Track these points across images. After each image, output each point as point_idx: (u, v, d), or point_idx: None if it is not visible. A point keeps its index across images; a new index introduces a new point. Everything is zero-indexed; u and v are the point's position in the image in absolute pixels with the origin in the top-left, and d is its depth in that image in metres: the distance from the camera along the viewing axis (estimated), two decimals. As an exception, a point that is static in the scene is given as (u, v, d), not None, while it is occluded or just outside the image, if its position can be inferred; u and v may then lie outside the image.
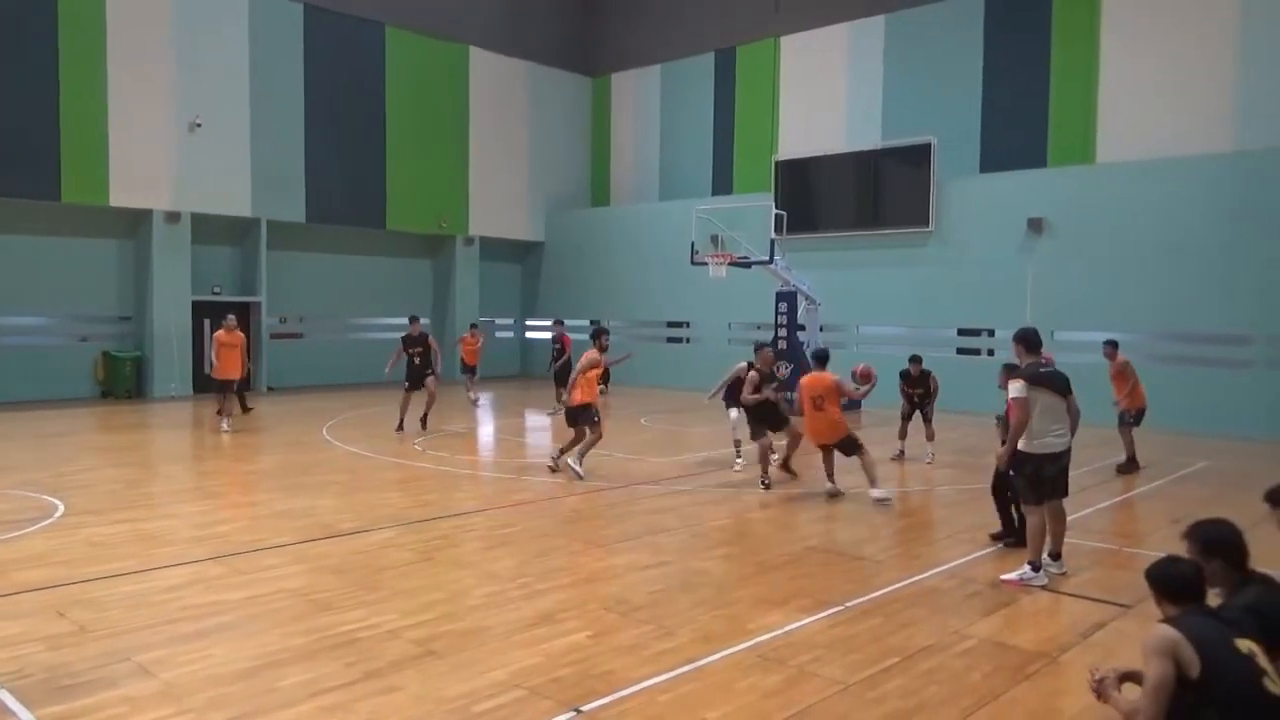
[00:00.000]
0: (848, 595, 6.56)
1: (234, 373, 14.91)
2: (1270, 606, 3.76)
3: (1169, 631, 3.43)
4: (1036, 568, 6.90)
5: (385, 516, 8.93)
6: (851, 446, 10.03)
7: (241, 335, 15.33)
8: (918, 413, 12.88)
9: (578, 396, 11.10)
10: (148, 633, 5.61)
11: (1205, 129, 17.00)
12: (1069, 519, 7.54)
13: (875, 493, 9.78)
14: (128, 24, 18.95)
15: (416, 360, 14.83)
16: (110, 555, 7.40)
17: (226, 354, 14.75)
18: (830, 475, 10.23)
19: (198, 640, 5.50)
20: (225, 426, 14.59)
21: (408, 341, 15.01)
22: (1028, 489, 6.95)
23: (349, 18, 22.35)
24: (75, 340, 19.72)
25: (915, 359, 13.03)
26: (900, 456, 12.85)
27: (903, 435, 12.99)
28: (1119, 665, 3.99)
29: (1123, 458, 12.10)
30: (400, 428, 14.68)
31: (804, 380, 10.33)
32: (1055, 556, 7.16)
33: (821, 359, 10.58)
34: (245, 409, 16.83)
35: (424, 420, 14.89)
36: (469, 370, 19.33)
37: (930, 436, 12.88)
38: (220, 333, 14.90)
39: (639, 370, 23.66)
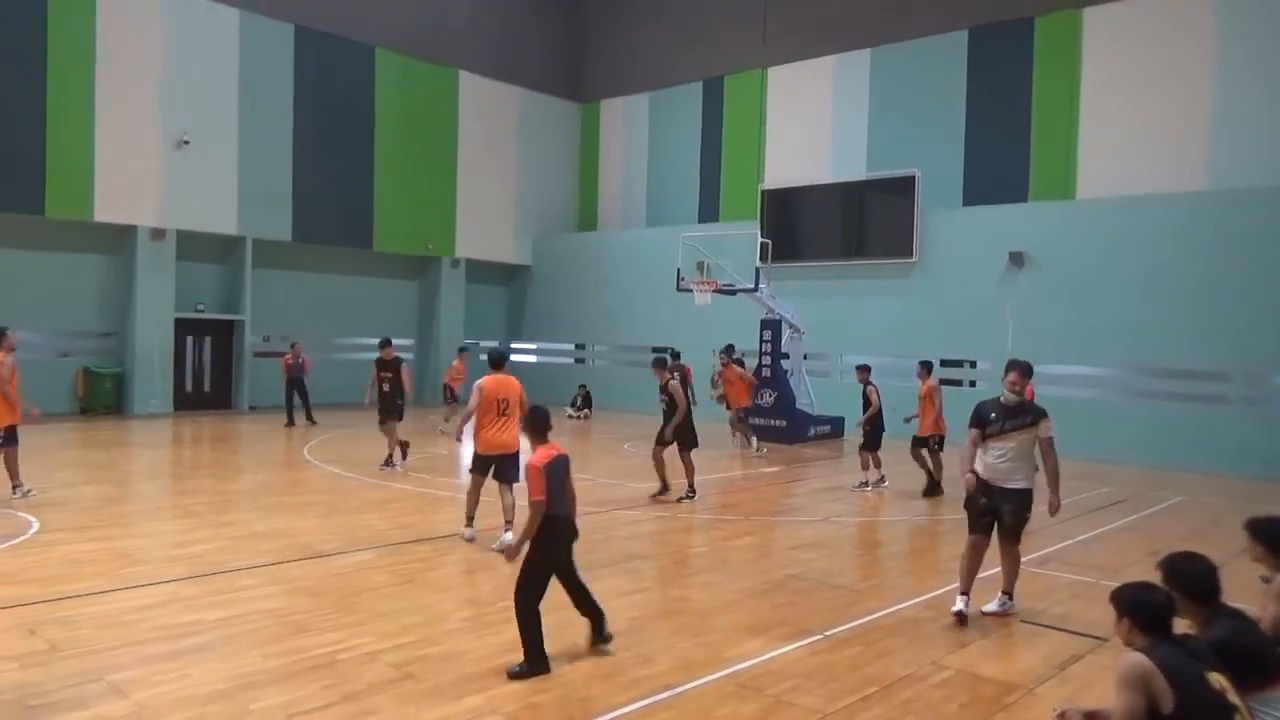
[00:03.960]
0: (827, 624, 6.57)
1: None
2: (1242, 641, 3.79)
3: (1144, 662, 3.39)
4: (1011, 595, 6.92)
5: (365, 538, 8.88)
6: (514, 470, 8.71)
7: None
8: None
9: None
10: (120, 652, 5.55)
11: (1182, 167, 17.29)
12: (1045, 552, 7.58)
13: (506, 537, 8.29)
14: (118, 40, 18.97)
15: (386, 387, 13.52)
16: (84, 573, 7.31)
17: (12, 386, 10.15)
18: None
19: (172, 660, 5.44)
20: (26, 490, 10.26)
21: (380, 365, 13.70)
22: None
23: (339, 39, 22.46)
24: (55, 355, 19.54)
25: (857, 368, 13.03)
26: (864, 487, 12.51)
27: (864, 465, 12.69)
28: (1082, 705, 4.00)
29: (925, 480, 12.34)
30: (389, 462, 13.36)
31: (488, 382, 8.75)
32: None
33: (498, 361, 9.07)
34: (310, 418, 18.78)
35: (390, 459, 13.35)
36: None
37: (863, 464, 12.59)
38: (6, 357, 10.09)
39: (623, 395, 23.71)
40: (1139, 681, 3.36)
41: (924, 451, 12.24)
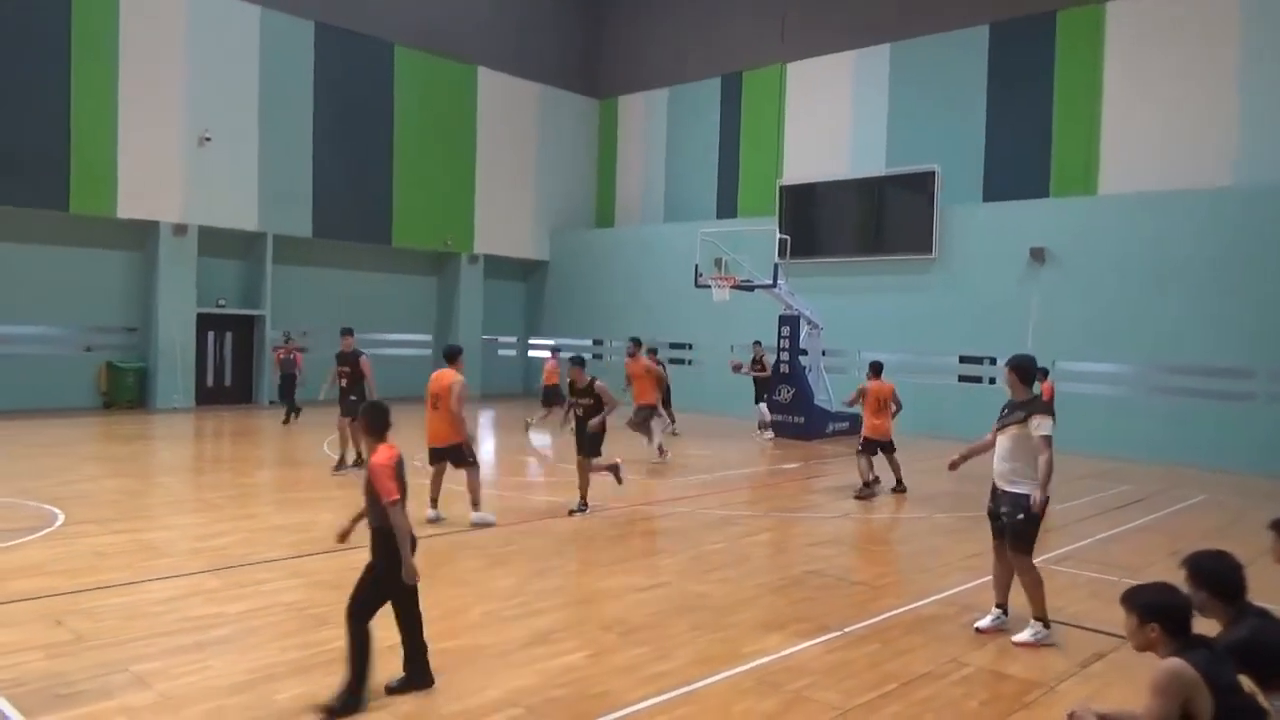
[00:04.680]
0: (845, 620, 6.55)
1: None
2: (1267, 640, 3.74)
3: (1188, 670, 3.25)
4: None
5: (384, 532, 8.91)
6: (460, 457, 9.39)
7: None
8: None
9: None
10: (144, 643, 5.62)
11: (1206, 163, 17.08)
12: (1064, 550, 7.51)
13: (474, 516, 9.31)
14: (140, 37, 19.12)
15: (344, 382, 12.53)
16: (108, 565, 7.40)
17: None
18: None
19: (194, 652, 5.50)
20: None
21: (338, 359, 12.73)
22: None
23: (359, 36, 22.56)
24: (79, 350, 19.75)
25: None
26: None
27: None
28: (1096, 707, 3.97)
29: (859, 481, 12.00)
30: (340, 465, 12.47)
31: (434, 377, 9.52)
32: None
33: (448, 356, 9.65)
34: (289, 418, 18.20)
35: (343, 459, 12.52)
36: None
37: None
38: None
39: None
40: (1180, 690, 3.24)
41: (869, 456, 11.87)
